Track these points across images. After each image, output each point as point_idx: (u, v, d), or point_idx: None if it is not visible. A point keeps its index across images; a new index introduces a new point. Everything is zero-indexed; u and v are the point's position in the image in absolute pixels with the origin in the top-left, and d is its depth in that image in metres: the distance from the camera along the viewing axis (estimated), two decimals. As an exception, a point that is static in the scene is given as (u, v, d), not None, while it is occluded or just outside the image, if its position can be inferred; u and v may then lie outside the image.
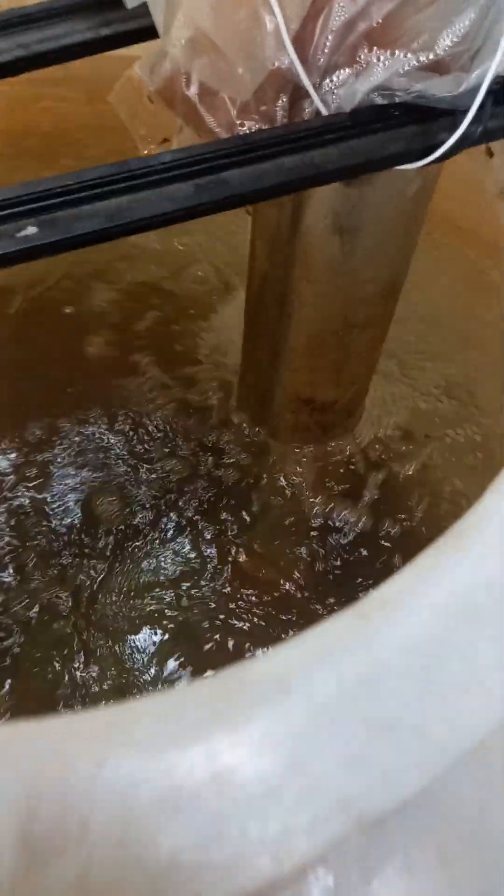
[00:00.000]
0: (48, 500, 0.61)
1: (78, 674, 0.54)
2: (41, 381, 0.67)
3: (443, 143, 0.32)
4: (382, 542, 0.59)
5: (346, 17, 0.29)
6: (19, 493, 0.61)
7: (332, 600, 0.57)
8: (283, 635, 0.55)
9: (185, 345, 0.68)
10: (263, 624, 0.56)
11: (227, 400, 0.63)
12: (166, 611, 0.56)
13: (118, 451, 0.63)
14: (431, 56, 0.30)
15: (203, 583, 0.58)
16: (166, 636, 0.55)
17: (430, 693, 0.20)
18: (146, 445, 0.63)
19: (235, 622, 0.56)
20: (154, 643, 0.55)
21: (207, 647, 0.55)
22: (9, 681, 0.53)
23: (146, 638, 0.56)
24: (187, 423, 0.63)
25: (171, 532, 0.60)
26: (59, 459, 0.63)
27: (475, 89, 0.31)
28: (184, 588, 0.57)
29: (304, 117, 0.33)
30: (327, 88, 0.32)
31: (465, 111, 0.31)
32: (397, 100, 0.31)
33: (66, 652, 0.54)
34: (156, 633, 0.56)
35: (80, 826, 0.19)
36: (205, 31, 0.30)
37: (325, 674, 0.20)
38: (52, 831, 0.18)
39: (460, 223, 0.53)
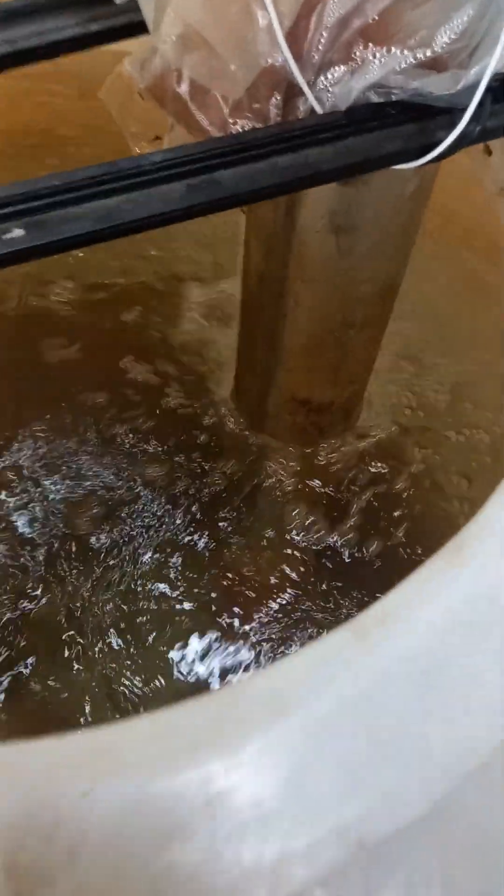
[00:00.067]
0: (55, 488, 0.61)
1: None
2: (42, 380, 0.66)
3: (440, 141, 0.31)
4: (382, 543, 0.58)
5: (340, 13, 0.29)
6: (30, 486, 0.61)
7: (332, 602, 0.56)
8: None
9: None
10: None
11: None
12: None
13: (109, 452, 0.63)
14: (429, 53, 0.29)
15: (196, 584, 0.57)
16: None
17: (431, 711, 0.20)
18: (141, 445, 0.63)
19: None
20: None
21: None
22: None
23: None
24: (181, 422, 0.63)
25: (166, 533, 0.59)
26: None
27: (474, 87, 0.30)
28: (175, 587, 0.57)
29: (299, 116, 0.32)
30: (322, 86, 0.31)
31: (464, 109, 0.30)
32: (394, 98, 0.30)
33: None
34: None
35: (69, 855, 0.18)
36: (196, 28, 0.30)
37: (323, 693, 0.20)
38: (40, 861, 0.18)
39: (458, 222, 0.52)
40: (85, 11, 0.34)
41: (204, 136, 0.33)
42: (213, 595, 0.57)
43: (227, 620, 0.56)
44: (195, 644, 0.54)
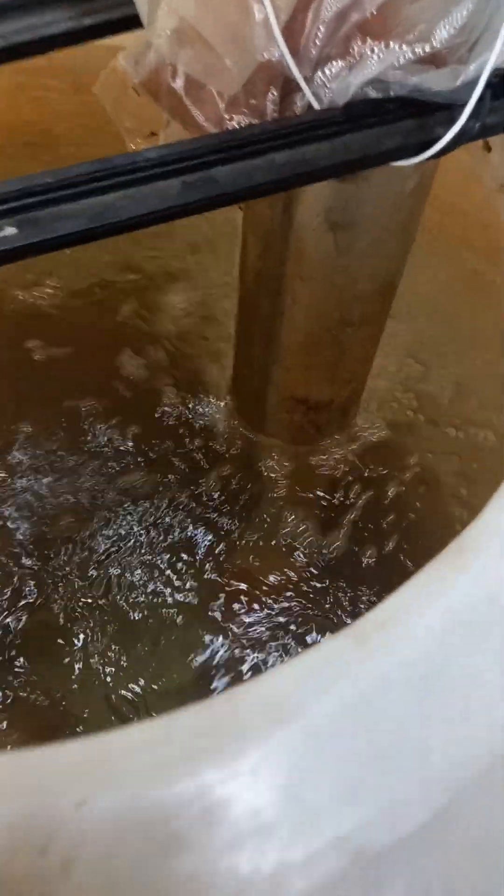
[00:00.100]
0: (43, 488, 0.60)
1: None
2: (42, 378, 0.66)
3: (440, 138, 0.31)
4: (382, 542, 0.58)
5: (338, 7, 0.28)
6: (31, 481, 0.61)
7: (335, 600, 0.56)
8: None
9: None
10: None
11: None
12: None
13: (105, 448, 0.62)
14: (428, 48, 0.29)
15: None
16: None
17: (430, 717, 0.19)
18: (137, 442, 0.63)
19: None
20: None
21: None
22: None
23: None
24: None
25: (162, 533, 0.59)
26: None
27: (473, 82, 0.29)
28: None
29: (296, 112, 0.32)
30: (319, 82, 0.30)
31: (463, 105, 0.30)
32: (392, 94, 0.30)
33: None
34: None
35: (63, 868, 0.18)
36: (190, 22, 0.29)
37: (321, 700, 0.19)
38: (33, 874, 0.17)
39: (457, 219, 0.52)
40: (78, 5, 0.34)
41: (199, 132, 0.33)
42: (211, 595, 0.56)
43: (226, 622, 0.55)
44: (191, 642, 0.54)
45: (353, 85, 0.30)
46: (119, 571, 0.57)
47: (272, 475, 0.60)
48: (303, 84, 0.30)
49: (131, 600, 0.56)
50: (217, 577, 0.57)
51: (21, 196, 0.27)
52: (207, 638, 0.55)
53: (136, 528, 0.59)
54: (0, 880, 0.17)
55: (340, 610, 0.56)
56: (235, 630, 0.55)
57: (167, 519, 0.59)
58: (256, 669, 0.54)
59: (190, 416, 0.63)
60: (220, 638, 0.55)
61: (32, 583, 0.57)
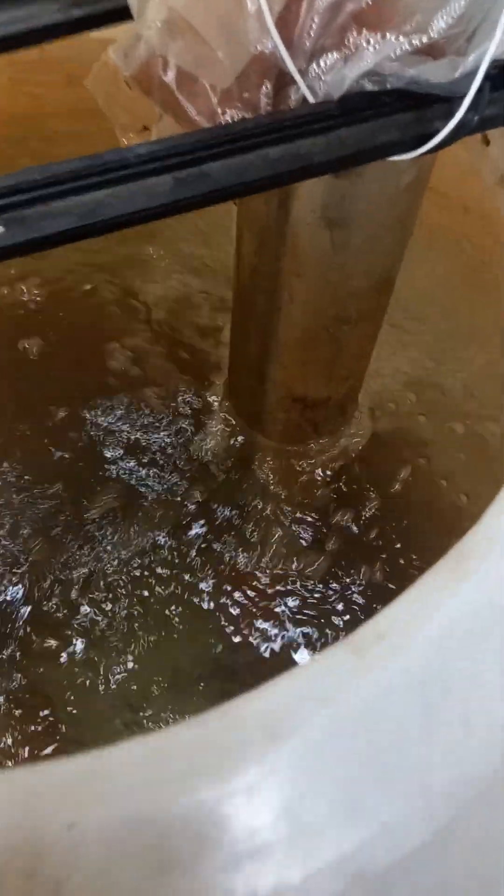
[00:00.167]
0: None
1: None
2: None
3: (438, 131, 0.30)
4: (380, 542, 0.57)
5: (333, -4, 0.27)
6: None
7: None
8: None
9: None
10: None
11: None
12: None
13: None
14: (425, 39, 0.28)
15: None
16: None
17: (431, 734, 0.19)
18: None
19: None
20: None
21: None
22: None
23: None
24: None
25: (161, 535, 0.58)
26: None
27: (472, 74, 0.29)
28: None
29: (290, 105, 0.31)
30: (314, 74, 0.30)
31: (462, 98, 0.29)
32: (389, 86, 0.29)
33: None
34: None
35: (54, 892, 0.17)
36: (181, 13, 0.28)
37: (318, 716, 0.19)
38: (22, 900, 0.17)
39: (455, 213, 0.51)
40: (66, -4, 0.33)
41: (192, 126, 0.32)
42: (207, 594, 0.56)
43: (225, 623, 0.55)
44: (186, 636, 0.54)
45: (348, 77, 0.29)
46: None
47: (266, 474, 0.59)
48: (297, 76, 0.29)
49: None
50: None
51: (8, 194, 0.26)
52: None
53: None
54: (-13, 907, 0.16)
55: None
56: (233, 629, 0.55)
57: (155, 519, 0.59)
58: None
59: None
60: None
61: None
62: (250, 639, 0.54)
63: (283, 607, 0.55)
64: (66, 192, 0.27)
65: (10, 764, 0.50)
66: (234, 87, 0.30)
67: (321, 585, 0.56)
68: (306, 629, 0.55)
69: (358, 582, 0.56)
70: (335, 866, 0.17)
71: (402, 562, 0.56)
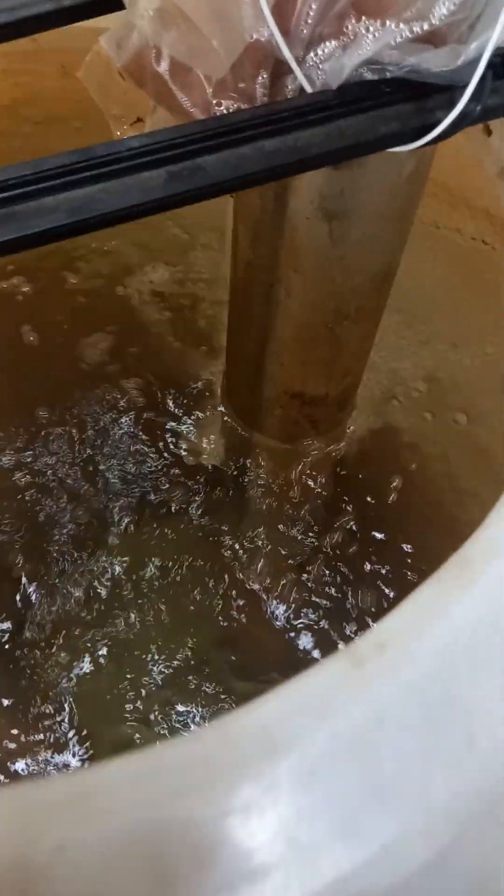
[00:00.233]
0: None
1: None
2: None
3: (439, 122, 0.29)
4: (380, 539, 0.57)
5: (331, -18, 0.26)
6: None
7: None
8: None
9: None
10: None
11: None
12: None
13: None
14: (426, 26, 0.27)
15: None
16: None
17: (432, 749, 0.18)
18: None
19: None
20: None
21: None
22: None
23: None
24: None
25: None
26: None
27: (474, 63, 0.28)
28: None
29: (287, 95, 0.30)
30: (312, 63, 0.29)
31: (464, 87, 0.28)
32: (389, 75, 0.28)
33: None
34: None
35: (42, 917, 0.16)
36: (174, 1, 0.27)
37: (316, 731, 0.18)
38: (10, 926, 0.16)
39: (456, 205, 0.50)
40: (56, -16, 0.32)
41: (187, 118, 0.31)
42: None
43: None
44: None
45: (347, 66, 0.28)
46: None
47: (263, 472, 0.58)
48: (294, 66, 0.29)
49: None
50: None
51: (-4, 189, 0.25)
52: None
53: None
54: (-27, 935, 0.16)
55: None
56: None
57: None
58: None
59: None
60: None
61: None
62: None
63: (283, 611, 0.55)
64: (56, 187, 0.26)
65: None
66: (228, 77, 0.29)
67: (321, 587, 0.55)
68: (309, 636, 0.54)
69: (359, 587, 0.55)
70: (334, 889, 0.17)
71: (403, 563, 0.56)
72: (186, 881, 0.17)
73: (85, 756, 0.50)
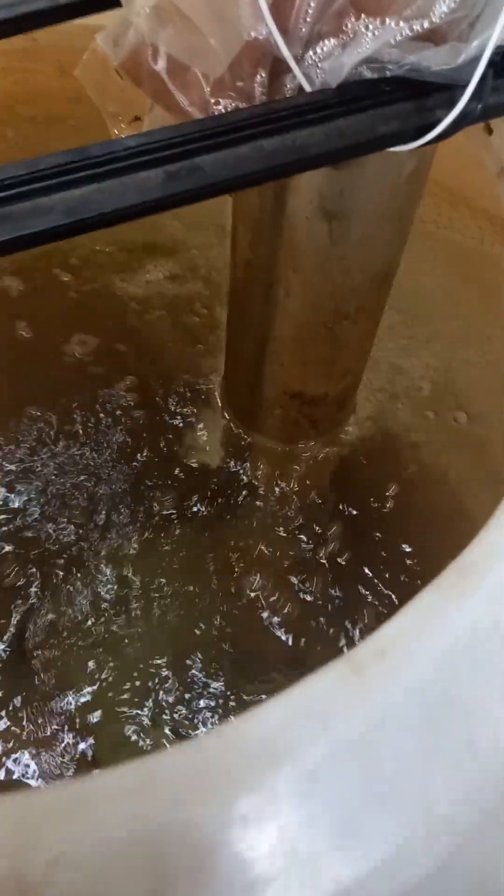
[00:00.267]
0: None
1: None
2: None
3: (439, 121, 0.29)
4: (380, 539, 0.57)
5: (330, -21, 0.26)
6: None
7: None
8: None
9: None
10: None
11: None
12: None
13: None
14: (426, 24, 0.27)
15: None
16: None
17: (433, 758, 0.18)
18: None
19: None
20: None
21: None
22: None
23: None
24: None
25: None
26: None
27: (475, 61, 0.28)
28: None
29: (286, 94, 0.30)
30: (311, 61, 0.28)
31: (464, 85, 0.28)
32: (388, 74, 0.28)
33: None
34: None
35: (38, 930, 0.16)
36: (171, -2, 0.27)
37: (316, 740, 0.18)
38: (5, 939, 0.16)
39: (457, 205, 0.50)
40: (52, -18, 0.32)
41: (184, 117, 0.31)
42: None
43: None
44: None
45: (346, 64, 0.28)
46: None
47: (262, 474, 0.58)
48: (293, 64, 0.28)
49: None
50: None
51: (-10, 190, 0.25)
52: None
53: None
54: None
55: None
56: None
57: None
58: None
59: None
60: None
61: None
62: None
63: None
64: (52, 187, 0.25)
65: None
66: (226, 75, 0.29)
67: (320, 587, 0.55)
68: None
69: (359, 588, 0.55)
70: (335, 900, 0.16)
71: (404, 564, 0.55)
72: (185, 891, 0.17)
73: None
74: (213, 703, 0.51)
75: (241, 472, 0.58)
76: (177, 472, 0.59)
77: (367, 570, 0.55)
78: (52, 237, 0.25)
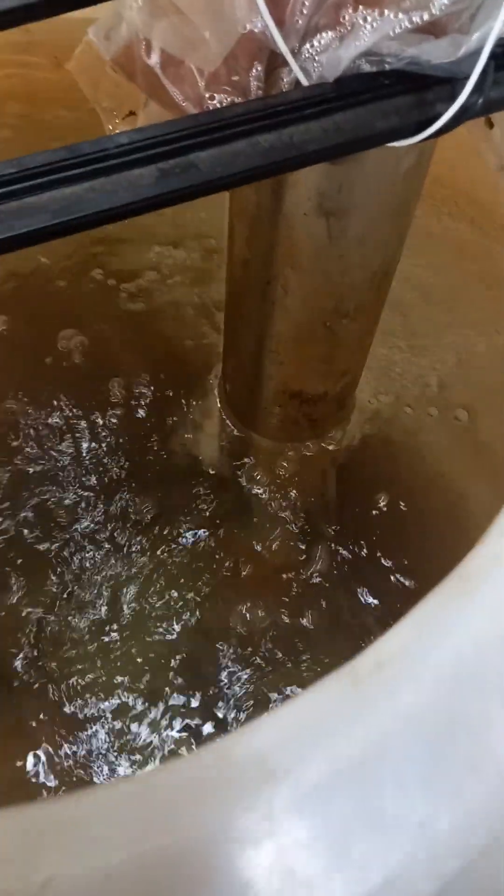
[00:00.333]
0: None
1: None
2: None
3: (440, 115, 0.28)
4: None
5: (327, -30, 0.25)
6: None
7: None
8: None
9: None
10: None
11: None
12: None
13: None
14: (426, 16, 0.26)
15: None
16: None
17: (435, 778, 0.18)
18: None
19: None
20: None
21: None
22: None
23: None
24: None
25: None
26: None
27: (475, 54, 0.27)
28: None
29: (283, 89, 0.29)
30: (308, 55, 0.28)
31: (465, 79, 0.27)
32: (387, 67, 0.27)
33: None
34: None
35: None
36: (164, -10, 0.26)
37: (314, 757, 0.17)
38: None
39: (457, 200, 0.49)
40: (41, -27, 0.31)
41: (178, 112, 0.30)
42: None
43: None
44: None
45: (344, 58, 0.27)
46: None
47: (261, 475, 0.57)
48: (289, 57, 0.28)
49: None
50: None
51: (-22, 189, 0.24)
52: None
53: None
54: None
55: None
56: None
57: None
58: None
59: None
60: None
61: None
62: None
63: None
64: (40, 186, 0.25)
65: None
66: (221, 69, 0.28)
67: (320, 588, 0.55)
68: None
69: (359, 589, 0.54)
70: (333, 925, 0.16)
71: (403, 565, 0.55)
72: (178, 917, 0.16)
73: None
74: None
75: (240, 471, 0.57)
76: (176, 471, 0.58)
77: (367, 570, 0.55)
78: (41, 238, 0.24)
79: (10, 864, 0.16)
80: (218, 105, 0.29)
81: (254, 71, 0.29)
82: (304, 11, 0.27)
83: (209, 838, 0.17)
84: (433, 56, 0.27)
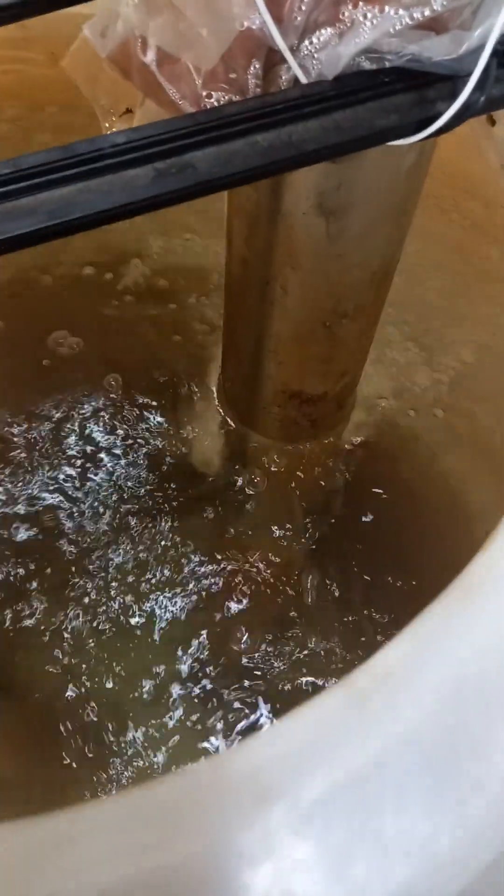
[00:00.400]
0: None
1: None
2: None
3: (441, 113, 0.28)
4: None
5: (326, -35, 0.25)
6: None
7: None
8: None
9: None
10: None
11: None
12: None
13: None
14: (427, 12, 0.25)
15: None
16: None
17: (437, 795, 0.17)
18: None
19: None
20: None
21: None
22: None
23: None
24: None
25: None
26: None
27: (477, 50, 0.26)
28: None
29: (281, 86, 0.29)
30: (307, 52, 0.27)
31: (467, 76, 0.27)
32: (388, 64, 0.27)
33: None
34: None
35: None
36: (159, -14, 0.26)
37: (312, 775, 0.17)
38: None
39: (459, 199, 0.48)
40: (36, -31, 0.30)
41: (175, 110, 0.30)
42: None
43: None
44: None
45: (343, 55, 0.27)
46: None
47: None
48: (288, 55, 0.27)
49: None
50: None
51: (-30, 190, 0.24)
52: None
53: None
54: None
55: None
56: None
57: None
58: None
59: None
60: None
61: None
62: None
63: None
64: (34, 186, 0.24)
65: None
66: (219, 67, 0.28)
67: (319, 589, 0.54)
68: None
69: (359, 590, 0.54)
70: None
71: (404, 564, 0.54)
72: (174, 940, 0.16)
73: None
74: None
75: (239, 471, 0.57)
76: (175, 471, 0.58)
77: (366, 570, 0.54)
78: (35, 240, 0.24)
79: (14, 881, 0.16)
80: (215, 103, 0.29)
81: (252, 69, 0.28)
82: (303, 8, 0.26)
83: (207, 857, 0.17)
84: (434, 53, 0.27)
